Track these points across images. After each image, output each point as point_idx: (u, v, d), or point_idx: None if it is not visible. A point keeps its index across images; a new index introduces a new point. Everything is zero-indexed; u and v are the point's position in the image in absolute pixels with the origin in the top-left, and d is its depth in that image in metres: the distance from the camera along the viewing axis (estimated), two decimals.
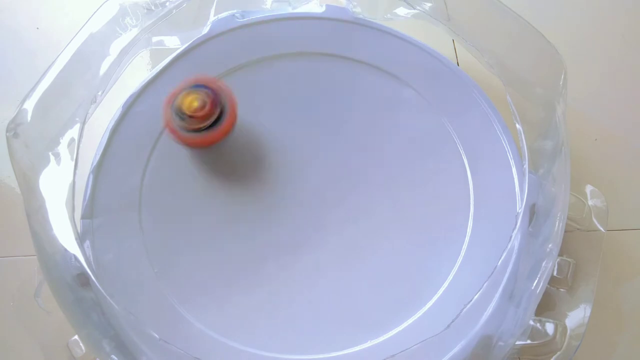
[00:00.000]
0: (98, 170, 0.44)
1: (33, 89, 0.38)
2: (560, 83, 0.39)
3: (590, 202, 0.41)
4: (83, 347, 0.37)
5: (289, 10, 0.51)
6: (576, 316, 0.38)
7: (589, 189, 0.42)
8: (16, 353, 0.42)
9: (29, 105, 0.37)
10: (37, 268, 0.37)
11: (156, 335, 0.33)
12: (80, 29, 0.39)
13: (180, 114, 0.41)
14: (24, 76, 0.52)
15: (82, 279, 0.36)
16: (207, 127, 0.42)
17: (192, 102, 0.41)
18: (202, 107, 0.41)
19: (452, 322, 0.35)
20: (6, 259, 0.46)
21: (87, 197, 0.43)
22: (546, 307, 0.39)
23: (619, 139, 0.51)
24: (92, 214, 0.43)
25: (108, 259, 0.42)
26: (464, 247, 0.43)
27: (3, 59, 0.53)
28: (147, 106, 0.47)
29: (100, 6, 0.41)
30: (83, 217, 0.42)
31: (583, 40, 0.56)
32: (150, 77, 0.47)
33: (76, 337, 0.37)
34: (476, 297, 0.36)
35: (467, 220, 0.44)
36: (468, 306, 0.35)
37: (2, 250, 0.46)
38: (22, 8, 0.55)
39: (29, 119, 0.37)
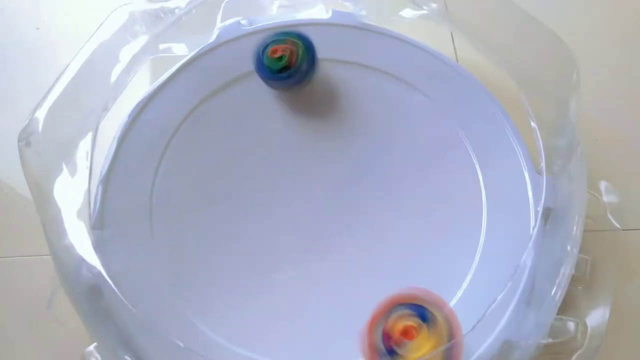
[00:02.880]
0: (107, 180, 0.44)
1: (44, 97, 0.37)
2: (573, 80, 0.40)
3: (605, 199, 0.41)
4: (99, 357, 0.36)
5: (294, 16, 0.51)
6: (596, 315, 0.38)
7: (603, 185, 0.42)
8: None
9: (41, 114, 0.37)
10: (49, 278, 0.37)
11: (181, 344, 0.32)
12: (91, 37, 0.39)
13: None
14: (23, 76, 0.51)
15: (97, 289, 0.36)
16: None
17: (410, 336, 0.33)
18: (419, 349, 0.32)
19: (477, 323, 0.35)
20: (18, 259, 0.45)
21: (96, 208, 0.43)
22: (565, 305, 0.38)
23: (620, 140, 0.52)
24: (103, 224, 0.42)
25: (120, 269, 0.41)
26: (479, 250, 0.43)
27: (2, 58, 0.53)
28: (155, 114, 0.46)
29: (110, 13, 0.40)
30: (93, 228, 0.42)
31: (583, 40, 0.56)
32: (157, 85, 0.47)
33: (91, 347, 0.36)
34: (500, 297, 0.36)
35: (480, 224, 0.43)
36: (493, 306, 0.35)
37: (13, 250, 0.46)
38: (22, 8, 0.55)
39: (40, 127, 0.37)
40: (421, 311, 0.34)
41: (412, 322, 0.33)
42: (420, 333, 0.33)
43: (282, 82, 0.47)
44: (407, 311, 0.34)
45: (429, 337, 0.33)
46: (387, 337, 0.33)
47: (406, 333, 0.33)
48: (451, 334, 0.33)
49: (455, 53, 0.53)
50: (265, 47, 0.46)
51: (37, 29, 0.54)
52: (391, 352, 0.33)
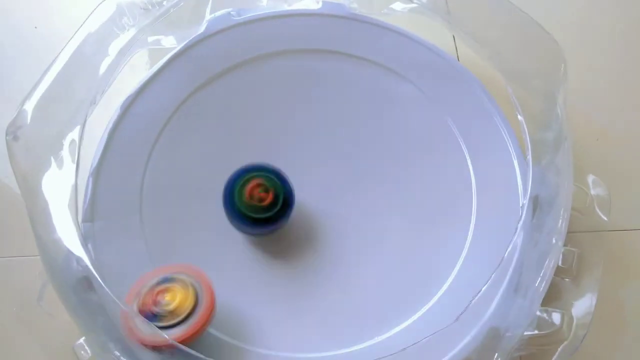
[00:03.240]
0: (97, 172, 0.44)
1: (32, 91, 0.37)
2: (560, 74, 0.40)
3: (592, 192, 0.41)
4: (89, 350, 0.36)
5: (284, 7, 0.50)
6: (582, 306, 0.39)
7: (590, 179, 0.42)
8: (21, 358, 0.42)
9: (28, 108, 0.37)
10: (39, 272, 0.37)
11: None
12: (78, 29, 0.39)
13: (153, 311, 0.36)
14: (21, 76, 0.51)
15: (87, 282, 0.36)
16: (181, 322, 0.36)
17: (163, 295, 0.36)
18: (173, 300, 0.36)
19: (462, 314, 0.35)
20: (7, 259, 0.45)
21: (87, 200, 0.43)
22: (552, 296, 0.39)
23: (621, 139, 0.51)
24: (93, 217, 0.42)
25: (110, 261, 0.41)
26: (468, 240, 0.43)
27: (1, 58, 0.53)
28: (146, 107, 0.46)
29: (98, 6, 0.40)
30: (84, 221, 0.42)
31: (583, 40, 0.56)
32: (147, 77, 0.47)
33: (81, 340, 0.36)
34: (484, 288, 0.36)
35: (470, 214, 0.44)
36: (477, 298, 0.36)
37: (4, 250, 0.46)
38: (20, 7, 0.55)
39: (28, 121, 0.37)
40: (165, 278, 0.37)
41: (160, 287, 0.36)
42: (169, 291, 0.36)
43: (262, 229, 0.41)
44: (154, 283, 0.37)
45: (178, 291, 0.36)
46: (143, 309, 0.36)
47: (157, 295, 0.36)
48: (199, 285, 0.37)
49: (455, 46, 0.53)
50: (238, 184, 0.40)
51: (35, 27, 0.54)
52: (152, 317, 0.35)
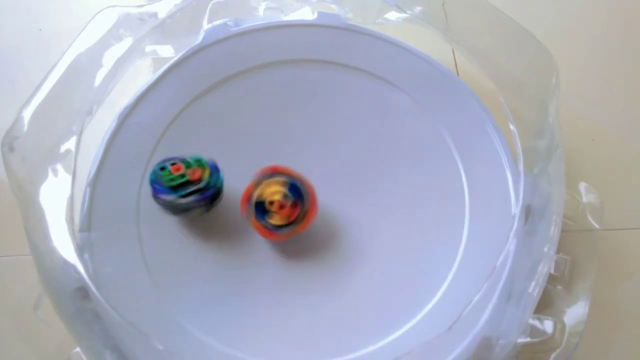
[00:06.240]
0: (95, 182, 0.44)
1: (28, 102, 0.37)
2: (553, 82, 0.40)
3: (584, 199, 0.42)
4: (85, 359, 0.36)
5: (281, 17, 0.51)
6: (574, 313, 0.39)
7: (582, 186, 0.42)
8: None
9: (24, 118, 0.37)
10: (36, 280, 0.37)
11: (160, 347, 0.33)
12: (75, 39, 0.39)
13: (263, 209, 0.41)
14: (24, 78, 0.51)
15: (83, 292, 0.36)
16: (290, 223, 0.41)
17: (274, 195, 0.40)
18: (284, 204, 0.40)
19: (454, 323, 0.35)
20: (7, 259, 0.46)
21: (84, 210, 0.43)
22: (544, 304, 0.39)
23: (617, 139, 0.52)
24: (90, 226, 0.43)
25: (107, 271, 0.41)
26: (461, 249, 0.43)
27: (4, 59, 0.53)
28: (143, 117, 0.47)
29: (94, 17, 0.41)
30: (81, 230, 0.42)
31: (582, 40, 0.57)
32: (144, 87, 0.47)
33: (78, 349, 0.37)
34: (477, 297, 0.36)
35: (463, 223, 0.44)
36: (469, 307, 0.36)
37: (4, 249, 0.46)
38: (24, 9, 0.55)
39: (24, 131, 0.37)
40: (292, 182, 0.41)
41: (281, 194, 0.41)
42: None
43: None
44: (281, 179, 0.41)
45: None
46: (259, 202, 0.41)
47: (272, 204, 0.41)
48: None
49: (454, 55, 0.53)
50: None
51: (40, 30, 0.54)
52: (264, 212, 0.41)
